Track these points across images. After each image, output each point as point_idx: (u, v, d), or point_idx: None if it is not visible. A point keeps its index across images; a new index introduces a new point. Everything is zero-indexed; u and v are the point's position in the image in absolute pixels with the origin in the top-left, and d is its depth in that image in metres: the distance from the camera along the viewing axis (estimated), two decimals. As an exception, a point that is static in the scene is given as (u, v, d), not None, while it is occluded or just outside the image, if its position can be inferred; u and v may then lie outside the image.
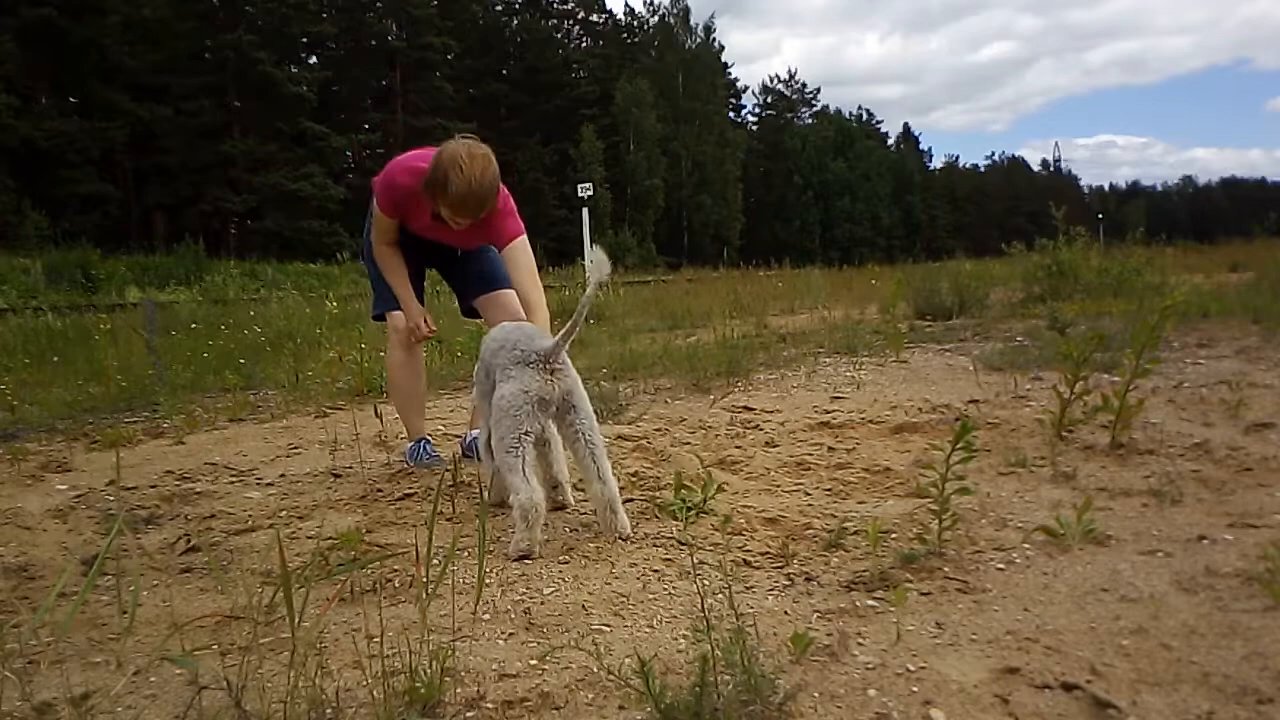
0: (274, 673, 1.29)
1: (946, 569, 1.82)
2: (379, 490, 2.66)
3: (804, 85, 69.34)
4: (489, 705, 1.31)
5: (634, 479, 2.62)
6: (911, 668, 1.40)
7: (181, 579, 1.97)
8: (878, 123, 75.58)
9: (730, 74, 59.14)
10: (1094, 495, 2.22)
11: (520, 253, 2.72)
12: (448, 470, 2.66)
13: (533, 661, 1.47)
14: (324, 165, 37.34)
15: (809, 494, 2.46)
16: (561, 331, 2.12)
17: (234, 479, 2.91)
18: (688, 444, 3.13)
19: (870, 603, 1.67)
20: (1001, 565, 1.85)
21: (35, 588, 1.92)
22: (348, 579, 1.83)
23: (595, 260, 2.11)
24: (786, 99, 68.87)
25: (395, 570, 1.92)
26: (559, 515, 2.30)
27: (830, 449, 2.94)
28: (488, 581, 1.79)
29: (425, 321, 2.91)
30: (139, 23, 32.68)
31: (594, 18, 53.64)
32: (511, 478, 2.00)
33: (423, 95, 42.57)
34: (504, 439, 2.03)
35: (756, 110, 68.78)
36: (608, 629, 1.61)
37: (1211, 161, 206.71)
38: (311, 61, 41.36)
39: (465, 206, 2.53)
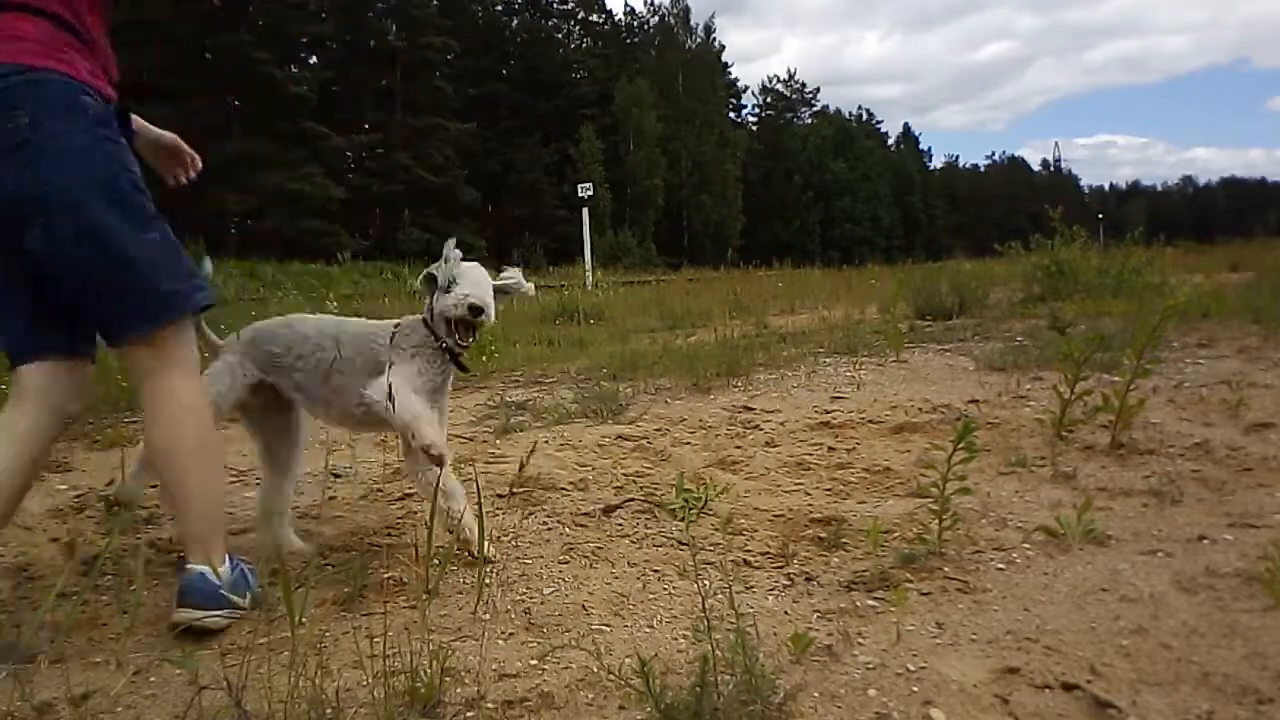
0: (274, 673, 1.29)
1: (946, 569, 1.82)
2: (379, 490, 2.66)
3: (804, 85, 69.39)
4: (489, 705, 1.31)
5: (634, 479, 2.63)
6: (911, 668, 1.40)
7: (181, 579, 1.96)
8: (877, 123, 75.67)
9: (730, 74, 59.23)
10: (1094, 495, 2.22)
11: None
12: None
13: (533, 661, 1.47)
14: (324, 165, 37.27)
15: (809, 494, 2.46)
16: None
17: (234, 479, 2.91)
18: (688, 444, 3.13)
19: (870, 603, 1.67)
20: (1001, 565, 1.85)
21: (35, 588, 1.92)
22: (347, 578, 1.83)
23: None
24: (786, 99, 68.87)
25: (395, 570, 1.92)
26: (554, 515, 2.30)
27: (830, 449, 2.94)
28: (488, 581, 1.79)
29: None
30: (139, 23, 32.63)
31: (594, 18, 53.64)
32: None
33: (423, 95, 42.49)
34: None
35: (756, 110, 68.85)
36: (608, 629, 1.61)
37: (1211, 161, 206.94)
38: (311, 61, 41.32)
39: None
